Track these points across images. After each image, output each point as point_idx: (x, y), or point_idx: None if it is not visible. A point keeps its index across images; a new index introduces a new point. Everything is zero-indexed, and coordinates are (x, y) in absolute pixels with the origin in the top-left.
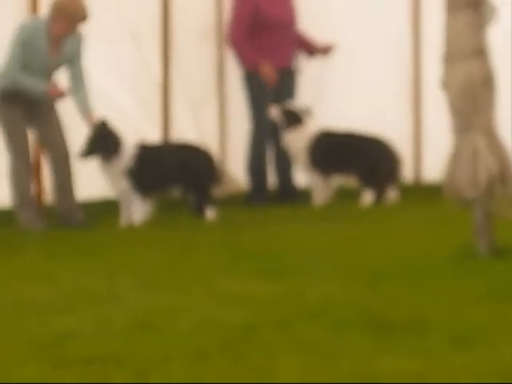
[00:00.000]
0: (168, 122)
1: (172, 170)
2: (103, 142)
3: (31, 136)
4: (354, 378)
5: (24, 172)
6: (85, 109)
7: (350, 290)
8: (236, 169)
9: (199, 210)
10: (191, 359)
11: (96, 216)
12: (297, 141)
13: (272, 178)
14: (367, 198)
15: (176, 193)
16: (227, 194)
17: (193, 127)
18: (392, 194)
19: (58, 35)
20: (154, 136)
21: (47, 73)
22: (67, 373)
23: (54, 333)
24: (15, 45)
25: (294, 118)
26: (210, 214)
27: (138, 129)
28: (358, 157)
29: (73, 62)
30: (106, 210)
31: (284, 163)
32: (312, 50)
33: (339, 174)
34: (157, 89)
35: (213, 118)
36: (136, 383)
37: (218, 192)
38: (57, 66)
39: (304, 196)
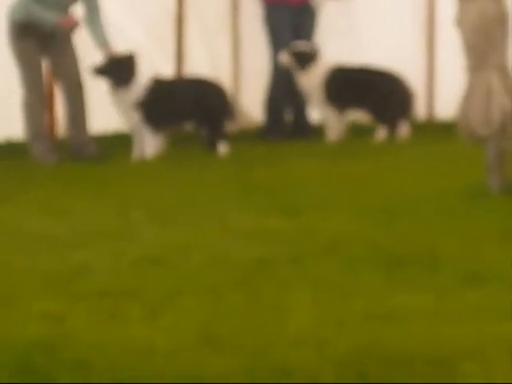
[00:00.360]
0: (182, 57)
1: (185, 105)
2: (118, 65)
3: (45, 68)
4: (366, 314)
5: (37, 104)
6: (102, 41)
7: (363, 226)
8: (250, 104)
9: (212, 145)
10: (204, 294)
11: (108, 149)
12: (309, 80)
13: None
14: (381, 133)
15: (188, 127)
16: (240, 128)
17: (206, 61)
18: (404, 129)
19: None
20: (167, 71)
21: (64, 6)
22: (81, 306)
23: (67, 267)
24: None
25: (305, 59)
26: (223, 148)
27: (151, 63)
28: (371, 91)
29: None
30: (119, 143)
31: (298, 100)
32: None
33: (353, 108)
34: (171, 22)
35: (227, 52)
36: (149, 317)
37: (230, 127)
38: (72, 1)
39: (318, 132)
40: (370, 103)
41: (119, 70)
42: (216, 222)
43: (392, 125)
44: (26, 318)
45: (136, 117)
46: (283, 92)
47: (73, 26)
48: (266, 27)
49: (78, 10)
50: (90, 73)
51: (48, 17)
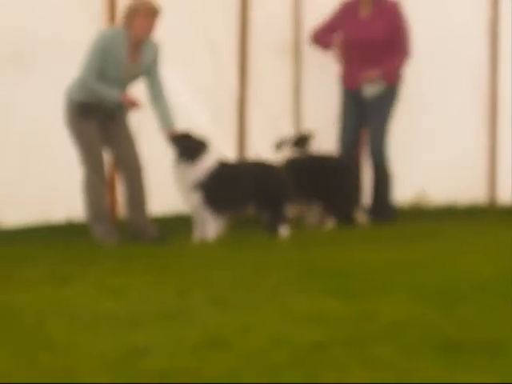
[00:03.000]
0: (244, 140)
1: (246, 188)
2: (193, 141)
3: (105, 150)
4: None
5: (98, 185)
6: (167, 121)
7: (421, 310)
8: None
9: (273, 228)
10: (262, 377)
11: (169, 231)
12: None
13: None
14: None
15: (250, 210)
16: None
17: (268, 145)
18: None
19: (139, 36)
20: (229, 154)
21: (124, 83)
22: None
23: (127, 347)
24: (93, 53)
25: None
26: (284, 232)
27: (213, 145)
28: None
29: (150, 71)
30: (180, 225)
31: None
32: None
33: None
34: (234, 104)
35: (289, 133)
36: None
37: (292, 211)
38: (134, 76)
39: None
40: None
41: (191, 144)
42: (275, 304)
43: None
44: None
45: (197, 198)
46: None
47: (134, 104)
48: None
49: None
50: (166, 137)
51: (111, 93)
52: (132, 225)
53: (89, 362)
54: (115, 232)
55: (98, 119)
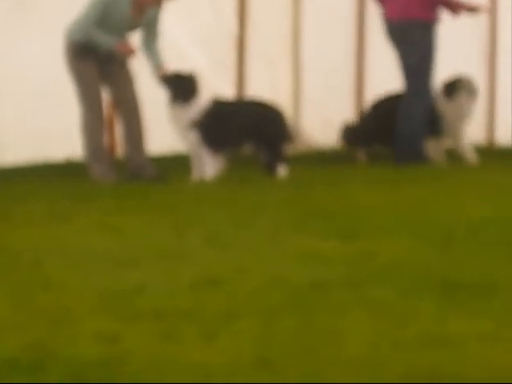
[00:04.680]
0: (242, 80)
1: (243, 127)
2: (182, 80)
3: (104, 90)
4: (423, 339)
5: (96, 124)
6: (156, 63)
7: (420, 251)
8: (309, 128)
9: (271, 167)
10: (259, 317)
11: (167, 170)
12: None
13: None
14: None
15: (247, 149)
16: (300, 151)
17: (267, 85)
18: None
19: (143, 4)
20: (228, 93)
21: (122, 33)
22: (136, 326)
23: (123, 286)
24: (96, 3)
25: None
26: (282, 171)
27: (211, 85)
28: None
29: (149, 27)
30: (178, 164)
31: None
32: (456, 8)
33: None
34: (232, 45)
35: (287, 74)
36: (204, 338)
37: (290, 149)
38: (133, 29)
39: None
40: None
41: (183, 84)
42: (273, 244)
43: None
44: (80, 336)
45: (194, 137)
46: (421, 119)
47: (129, 52)
48: (413, 48)
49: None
50: (156, 79)
51: (107, 41)
52: (130, 164)
53: (86, 301)
54: (113, 171)
55: (97, 59)
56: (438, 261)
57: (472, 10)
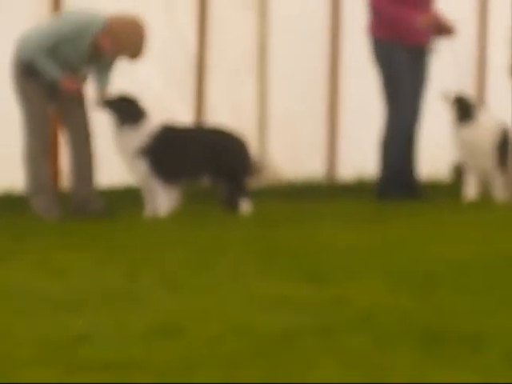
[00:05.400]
0: (201, 103)
1: (199, 156)
2: (128, 102)
3: (51, 113)
4: None
5: (41, 153)
6: (101, 85)
7: (398, 296)
8: (276, 156)
9: (231, 203)
10: (219, 368)
11: (117, 205)
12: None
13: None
14: None
15: (205, 182)
16: (265, 184)
17: (229, 108)
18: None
19: (100, 49)
20: (184, 117)
21: (72, 68)
22: (81, 377)
23: (67, 333)
24: (56, 31)
25: (467, 110)
26: (245, 206)
27: (167, 110)
28: None
29: (102, 70)
30: (130, 198)
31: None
32: (441, 29)
33: None
34: (190, 63)
35: (252, 98)
36: None
37: (253, 182)
38: (84, 64)
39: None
40: None
41: (128, 107)
42: (235, 287)
43: None
44: None
45: (142, 166)
46: (408, 150)
47: (74, 89)
48: (381, 68)
49: None
50: (96, 105)
51: (52, 71)
52: (76, 197)
53: (23, 350)
54: (57, 205)
55: (46, 80)
56: (417, 307)
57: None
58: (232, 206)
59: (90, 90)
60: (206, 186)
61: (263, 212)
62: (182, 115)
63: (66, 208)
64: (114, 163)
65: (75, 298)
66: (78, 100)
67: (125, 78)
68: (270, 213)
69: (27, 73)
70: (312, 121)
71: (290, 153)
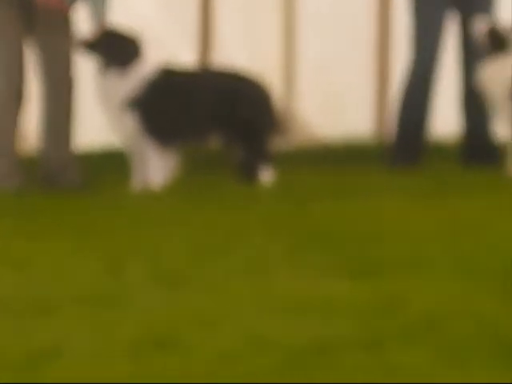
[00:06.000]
0: (208, 38)
1: (207, 109)
2: (115, 40)
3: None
4: None
5: (9, 105)
6: (97, 13)
7: (472, 296)
8: (307, 110)
9: (249, 171)
10: None
11: (97, 174)
12: (499, 77)
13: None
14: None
15: (214, 144)
16: (293, 147)
17: (244, 45)
18: None
19: None
20: (185, 56)
21: None
22: None
23: (29, 347)
24: None
25: (501, 43)
26: (266, 176)
27: (166, 48)
28: None
29: None
30: (111, 165)
31: (475, 108)
32: None
33: None
34: None
35: (276, 32)
36: None
37: (277, 144)
38: None
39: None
40: None
41: (117, 44)
42: (253, 285)
43: None
44: None
45: (131, 122)
46: (423, 100)
47: (54, 4)
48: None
49: None
50: (76, 47)
51: None
52: (46, 162)
53: None
54: (17, 172)
55: (22, 9)
56: (497, 311)
57: None
58: (249, 175)
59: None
60: (216, 148)
61: (291, 183)
62: (184, 55)
63: (32, 177)
64: (94, 119)
65: (39, 300)
66: (62, 30)
67: (119, 10)
68: (299, 184)
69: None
70: (355, 66)
71: (325, 106)
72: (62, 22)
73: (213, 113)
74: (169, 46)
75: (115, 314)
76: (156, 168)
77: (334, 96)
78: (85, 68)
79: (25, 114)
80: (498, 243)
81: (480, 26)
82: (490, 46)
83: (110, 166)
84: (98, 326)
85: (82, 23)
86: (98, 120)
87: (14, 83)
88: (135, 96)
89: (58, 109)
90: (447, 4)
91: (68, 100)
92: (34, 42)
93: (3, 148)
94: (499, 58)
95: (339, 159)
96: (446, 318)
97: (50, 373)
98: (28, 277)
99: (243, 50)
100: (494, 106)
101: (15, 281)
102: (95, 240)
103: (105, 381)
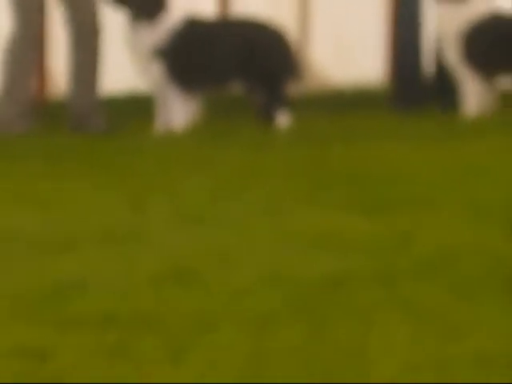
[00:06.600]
0: None
1: (229, 56)
2: None
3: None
4: (481, 359)
5: (27, 46)
6: None
7: (481, 232)
8: (321, 56)
9: (268, 115)
10: (249, 326)
11: (121, 118)
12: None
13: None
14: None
15: (235, 89)
16: (308, 92)
17: None
18: None
19: None
20: (205, 7)
21: None
22: (73, 338)
23: (54, 281)
24: None
25: None
26: (284, 119)
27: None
28: None
29: None
30: (136, 110)
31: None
32: None
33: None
34: None
35: None
36: (170, 356)
37: (295, 88)
38: None
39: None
40: None
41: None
42: (270, 221)
43: None
44: None
45: (158, 70)
46: (418, 37)
47: None
48: None
49: None
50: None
51: None
52: (72, 109)
53: (1, 302)
54: (28, 116)
55: None
56: (507, 247)
57: None
58: (268, 118)
59: None
60: (236, 93)
61: (307, 127)
62: (204, 6)
63: (60, 120)
64: (118, 64)
65: (65, 237)
66: None
67: None
68: (314, 128)
69: None
70: (366, 16)
71: (338, 53)
72: None
73: (234, 60)
74: None
75: (138, 250)
76: (179, 112)
77: (346, 43)
78: (112, 17)
79: (52, 57)
80: (504, 182)
81: None
82: None
83: (135, 110)
84: (121, 261)
85: None
86: (123, 66)
87: (31, 29)
88: (162, 46)
89: (84, 55)
90: None
91: (94, 47)
92: None
93: (14, 93)
94: (457, 3)
95: (351, 104)
96: (457, 254)
97: (75, 305)
98: (54, 215)
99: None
100: (447, 50)
101: (42, 219)
102: (119, 180)
103: (126, 312)
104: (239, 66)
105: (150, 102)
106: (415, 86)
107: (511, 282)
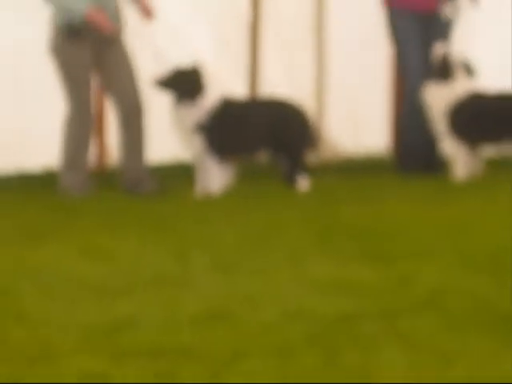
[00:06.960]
0: (255, 73)
1: (258, 130)
2: (184, 76)
3: (95, 83)
4: (471, 381)
5: (82, 127)
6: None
7: (468, 277)
8: (335, 130)
9: (290, 179)
10: (273, 356)
11: (167, 182)
12: (442, 98)
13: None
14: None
15: (262, 158)
16: (324, 159)
17: (285, 80)
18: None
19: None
20: (237, 89)
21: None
22: (127, 365)
23: (111, 318)
24: None
25: (449, 69)
26: (303, 183)
27: (220, 81)
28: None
29: None
30: (179, 175)
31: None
32: None
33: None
34: (244, 33)
35: (309, 68)
36: (207, 382)
37: (312, 157)
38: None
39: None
40: None
41: (186, 81)
42: (291, 270)
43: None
44: (62, 377)
45: (199, 142)
46: (418, 113)
47: (103, 24)
48: (391, 34)
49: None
50: (151, 85)
51: (77, 5)
52: (126, 175)
53: (67, 336)
54: (88, 183)
55: (89, 45)
56: (490, 288)
57: None
58: (290, 182)
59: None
60: (263, 161)
61: (322, 189)
62: (236, 88)
63: (112, 187)
64: (163, 137)
65: (121, 282)
66: (126, 65)
67: (176, 49)
68: (329, 190)
69: (67, 38)
70: (374, 93)
71: (351, 126)
72: (123, 54)
73: (262, 134)
74: (224, 80)
75: (180, 294)
76: (216, 178)
77: (356, 119)
78: (158, 98)
79: (108, 133)
80: (489, 236)
81: (437, 51)
82: (439, 70)
83: (179, 176)
84: (166, 303)
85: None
86: (170, 139)
87: (85, 109)
88: (202, 122)
89: (130, 132)
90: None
91: (138, 125)
92: (100, 74)
93: (77, 164)
94: (444, 83)
95: (360, 170)
96: (447, 295)
97: (128, 339)
98: (112, 266)
99: (282, 85)
100: (436, 124)
101: (102, 269)
102: (165, 234)
103: (171, 346)
104: (266, 139)
105: (191, 169)
106: (415, 156)
107: (494, 318)
